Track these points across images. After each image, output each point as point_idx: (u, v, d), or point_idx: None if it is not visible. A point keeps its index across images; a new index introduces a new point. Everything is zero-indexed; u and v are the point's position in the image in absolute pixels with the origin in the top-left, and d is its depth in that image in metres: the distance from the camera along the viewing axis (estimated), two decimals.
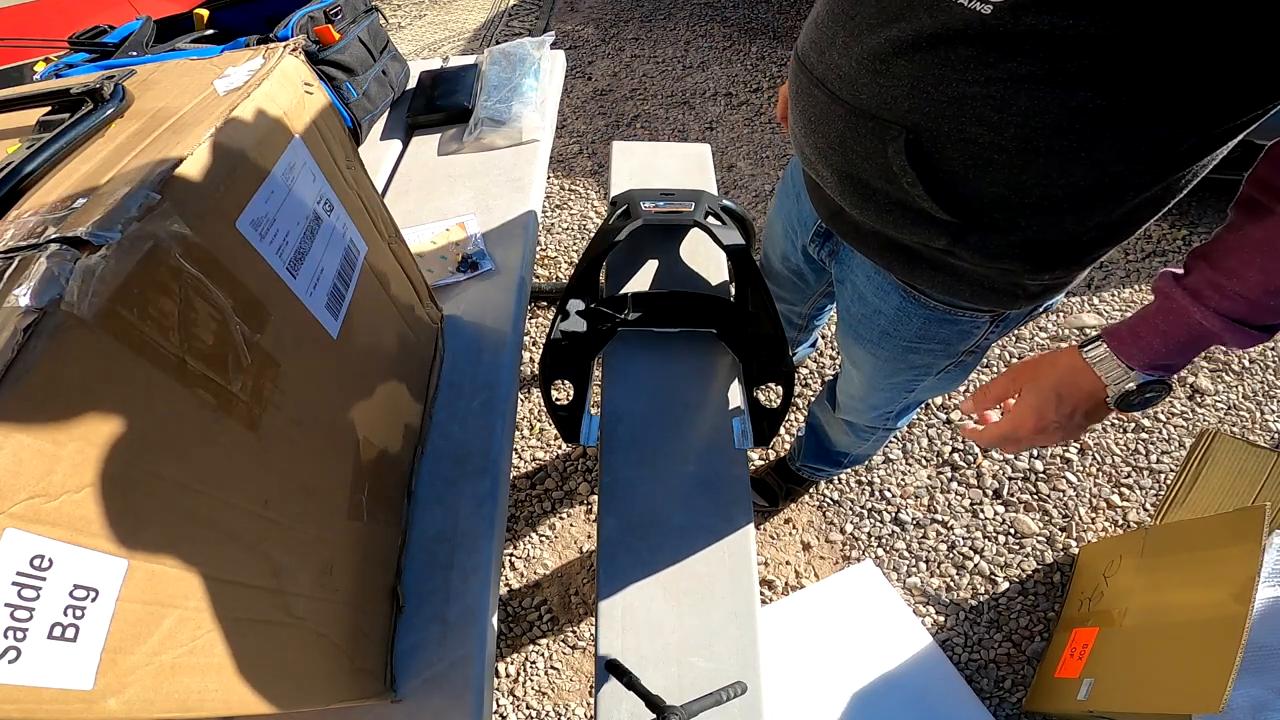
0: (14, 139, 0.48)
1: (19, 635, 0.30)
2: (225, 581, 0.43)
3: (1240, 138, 0.48)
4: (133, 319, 0.36)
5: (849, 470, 1.47)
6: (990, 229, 0.56)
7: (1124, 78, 0.43)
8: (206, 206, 0.42)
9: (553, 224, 2.08)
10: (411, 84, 1.36)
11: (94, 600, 0.33)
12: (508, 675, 1.26)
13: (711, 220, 0.93)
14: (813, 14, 0.61)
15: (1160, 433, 1.49)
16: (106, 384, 0.34)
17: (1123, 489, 1.41)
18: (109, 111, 0.47)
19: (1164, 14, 0.40)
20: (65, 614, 0.32)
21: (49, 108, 0.51)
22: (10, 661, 0.29)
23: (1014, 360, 1.63)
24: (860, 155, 0.57)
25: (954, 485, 1.44)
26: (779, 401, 0.84)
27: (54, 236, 0.33)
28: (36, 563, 0.30)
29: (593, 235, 1.08)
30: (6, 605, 0.29)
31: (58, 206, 0.36)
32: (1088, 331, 1.67)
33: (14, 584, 0.30)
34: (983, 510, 1.40)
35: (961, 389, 1.59)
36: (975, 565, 1.34)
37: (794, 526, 1.42)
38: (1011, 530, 1.38)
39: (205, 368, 0.41)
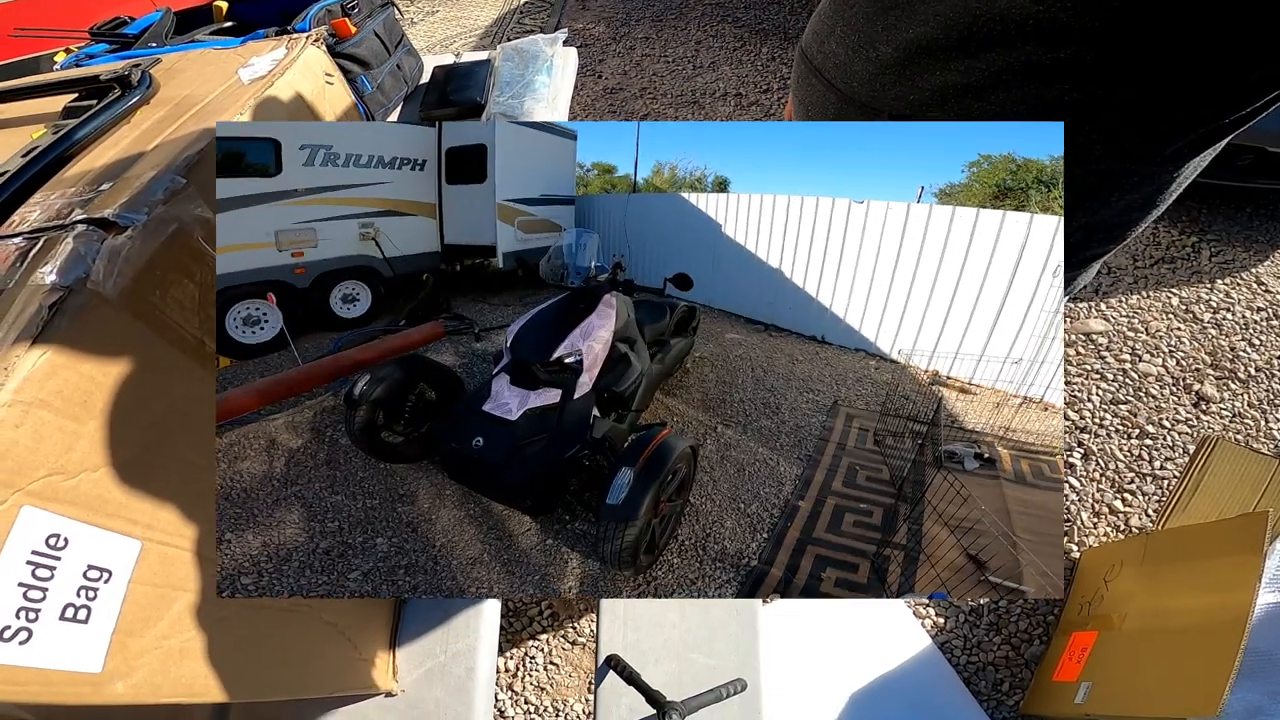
0: (40, 124, 0.48)
1: (31, 616, 0.29)
2: None
3: (1227, 140, 0.48)
4: (155, 300, 0.36)
5: None
6: None
7: (1100, 73, 0.43)
8: None
9: None
10: (425, 78, 1.36)
11: (107, 581, 0.33)
12: (507, 670, 1.26)
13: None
14: (818, 9, 0.62)
15: (1165, 439, 1.48)
16: (128, 363, 0.34)
17: (1125, 494, 1.41)
18: (135, 98, 0.47)
19: (1138, 7, 0.39)
20: (78, 595, 0.32)
21: (76, 94, 0.51)
22: (21, 643, 0.29)
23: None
24: None
25: None
26: None
27: (81, 218, 0.33)
28: (52, 541, 0.31)
29: None
30: (20, 585, 0.29)
31: (84, 189, 0.37)
32: (1094, 338, 1.66)
33: (29, 563, 0.29)
34: None
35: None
36: None
37: None
38: None
39: None
